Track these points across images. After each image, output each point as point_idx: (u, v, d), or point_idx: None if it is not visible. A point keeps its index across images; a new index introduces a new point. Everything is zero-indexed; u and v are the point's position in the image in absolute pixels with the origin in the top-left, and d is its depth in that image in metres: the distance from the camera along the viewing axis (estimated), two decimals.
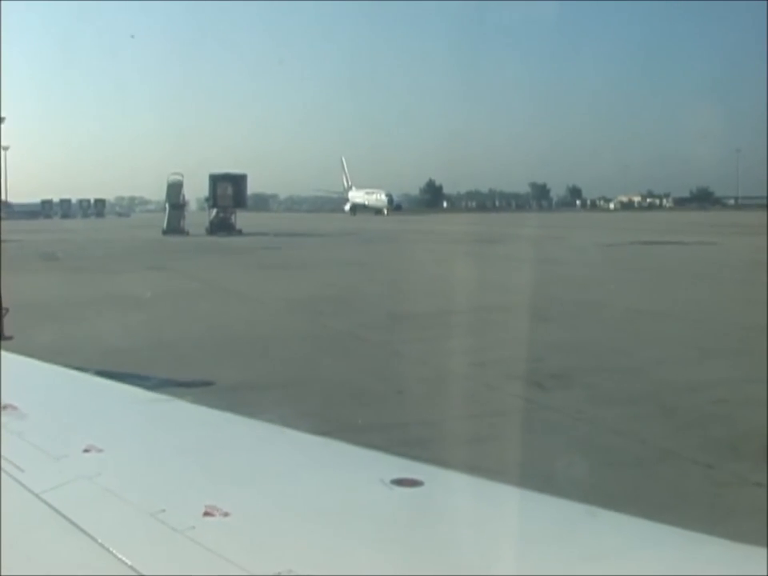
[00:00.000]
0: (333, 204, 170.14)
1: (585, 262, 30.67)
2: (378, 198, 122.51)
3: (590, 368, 11.59)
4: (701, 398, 9.86)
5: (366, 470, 2.35)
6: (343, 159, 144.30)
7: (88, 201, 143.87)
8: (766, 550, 1.68)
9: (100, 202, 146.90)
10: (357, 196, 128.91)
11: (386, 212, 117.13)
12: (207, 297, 21.19)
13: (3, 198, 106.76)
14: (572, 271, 26.21)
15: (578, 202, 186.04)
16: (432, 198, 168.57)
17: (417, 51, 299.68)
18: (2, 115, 75.19)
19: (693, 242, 41.95)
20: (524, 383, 10.68)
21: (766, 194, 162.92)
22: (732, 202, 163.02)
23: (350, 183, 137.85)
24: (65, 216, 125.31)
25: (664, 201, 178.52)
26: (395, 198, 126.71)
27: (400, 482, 2.06)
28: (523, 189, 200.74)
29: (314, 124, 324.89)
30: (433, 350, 13.11)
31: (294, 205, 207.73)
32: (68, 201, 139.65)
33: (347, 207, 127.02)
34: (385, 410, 9.59)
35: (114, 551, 1.72)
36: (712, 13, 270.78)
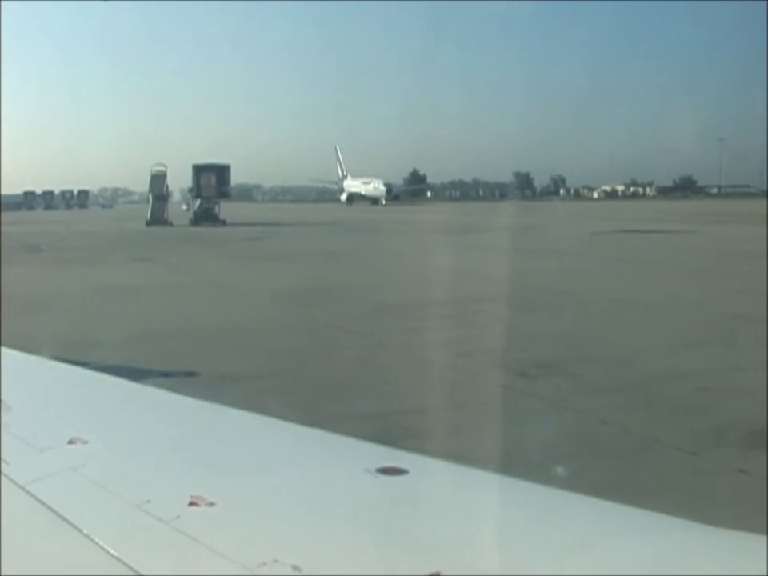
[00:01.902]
0: (320, 193, 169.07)
1: (568, 250, 30.69)
2: (376, 187, 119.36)
3: (573, 358, 11.62)
4: (683, 387, 9.90)
5: (351, 459, 2.36)
6: (337, 148, 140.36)
7: (71, 192, 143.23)
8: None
9: (83, 194, 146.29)
10: (353, 185, 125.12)
11: (383, 202, 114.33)
12: (190, 288, 21.15)
13: None
14: (555, 260, 26.27)
15: (561, 191, 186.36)
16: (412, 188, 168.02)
17: (400, 41, 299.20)
18: None
19: (675, 230, 42.10)
20: (508, 372, 10.72)
21: (748, 183, 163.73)
22: (715, 190, 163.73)
23: (345, 172, 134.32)
24: (48, 207, 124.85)
25: (647, 189, 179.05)
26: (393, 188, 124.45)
27: (385, 471, 2.06)
28: (507, 178, 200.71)
29: (296, 114, 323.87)
30: (414, 340, 13.11)
31: (278, 195, 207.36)
32: (51, 192, 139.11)
33: (343, 197, 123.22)
34: (367, 400, 9.59)
35: (100, 542, 1.72)
36: (693, 4, 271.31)
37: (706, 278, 21.75)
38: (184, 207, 66.75)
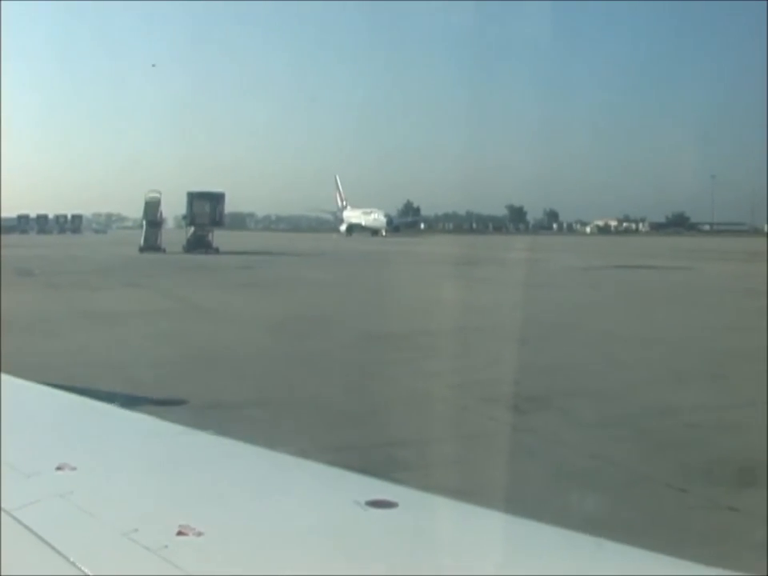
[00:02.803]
0: (313, 223, 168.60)
1: (561, 285, 30.82)
2: (376, 218, 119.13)
3: (564, 392, 11.60)
4: (674, 423, 9.89)
5: (340, 490, 2.35)
6: (337, 177, 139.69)
7: (65, 216, 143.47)
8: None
9: (77, 218, 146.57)
10: (353, 216, 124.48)
11: (383, 233, 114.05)
12: (181, 315, 21.10)
13: None
14: (548, 294, 26.29)
15: (554, 226, 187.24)
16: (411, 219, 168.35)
17: (393, 73, 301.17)
18: None
19: (669, 266, 42.24)
20: (496, 405, 10.70)
21: (740, 221, 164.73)
22: (707, 227, 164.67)
23: (344, 202, 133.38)
24: (41, 231, 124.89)
25: (640, 225, 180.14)
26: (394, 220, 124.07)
27: (374, 504, 2.05)
28: (500, 211, 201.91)
29: (291, 144, 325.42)
30: (403, 372, 13.08)
31: (271, 224, 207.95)
32: (45, 216, 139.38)
33: (343, 227, 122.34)
34: (357, 430, 9.56)
35: (86, 570, 1.70)
36: (686, 41, 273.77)
37: (701, 313, 21.77)
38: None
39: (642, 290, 29.56)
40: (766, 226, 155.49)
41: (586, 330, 18.30)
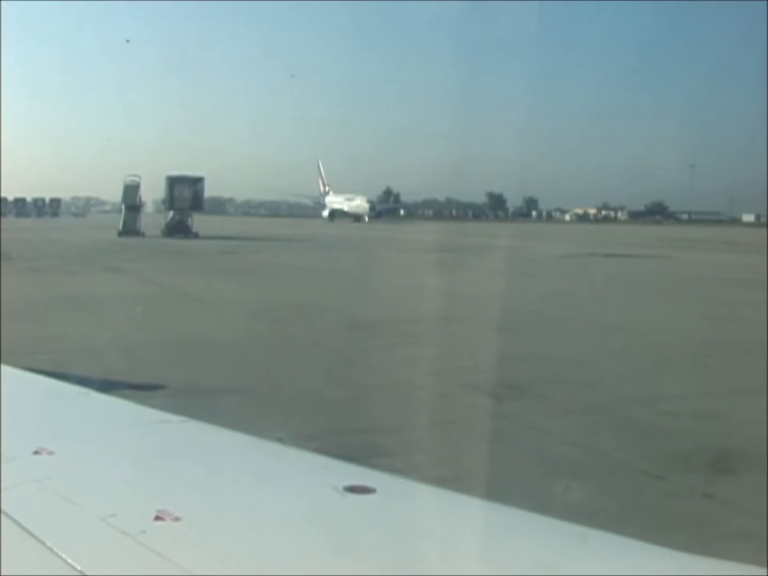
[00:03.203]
0: (292, 208, 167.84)
1: (540, 272, 30.96)
2: (359, 204, 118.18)
3: (540, 379, 11.63)
4: (651, 411, 9.94)
5: (318, 476, 2.35)
6: (320, 163, 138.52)
7: (43, 200, 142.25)
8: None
9: (55, 202, 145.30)
10: (335, 201, 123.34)
11: (366, 219, 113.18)
12: (159, 299, 21.03)
13: None
14: (535, 282, 26.39)
15: (533, 213, 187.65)
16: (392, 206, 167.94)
17: (374, 59, 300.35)
18: None
19: (646, 255, 42.48)
20: (475, 392, 10.72)
21: (718, 210, 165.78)
22: (685, 216, 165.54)
23: (327, 188, 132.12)
24: (19, 215, 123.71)
25: (619, 214, 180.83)
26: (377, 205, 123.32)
27: (352, 489, 2.06)
28: (480, 198, 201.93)
29: (270, 129, 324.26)
30: (380, 358, 13.08)
31: (251, 209, 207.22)
32: (23, 199, 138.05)
33: (325, 213, 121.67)
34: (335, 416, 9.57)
35: (63, 555, 1.70)
36: (666, 31, 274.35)
37: (679, 302, 21.90)
38: None
39: (618, 278, 29.66)
40: (743, 215, 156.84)
41: (566, 319, 18.34)
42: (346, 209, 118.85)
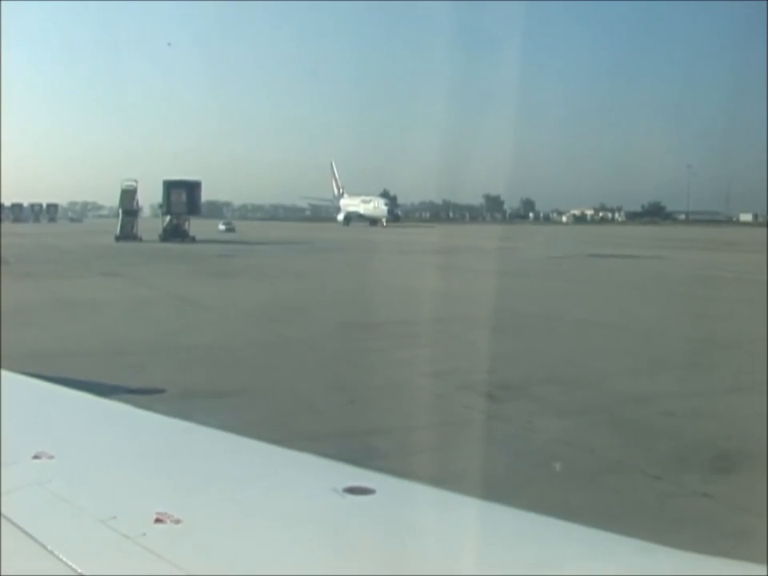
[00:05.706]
0: (288, 211, 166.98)
1: (536, 273, 31.05)
2: (377, 206, 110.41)
3: (536, 379, 11.62)
4: (648, 411, 9.94)
5: (318, 477, 2.36)
6: (333, 163, 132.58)
7: (40, 205, 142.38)
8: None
9: (53, 207, 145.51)
10: (351, 204, 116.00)
11: (384, 223, 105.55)
12: (156, 303, 21.04)
13: None
14: (524, 282, 26.41)
15: (531, 215, 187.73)
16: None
17: (370, 62, 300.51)
18: None
19: (643, 255, 42.52)
20: (472, 393, 10.73)
21: (715, 210, 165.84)
22: (683, 216, 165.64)
23: (341, 190, 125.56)
24: (16, 220, 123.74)
25: (616, 215, 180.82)
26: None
27: (352, 490, 2.06)
28: (477, 200, 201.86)
29: (269, 133, 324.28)
30: (377, 360, 13.07)
31: (248, 213, 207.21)
32: (20, 205, 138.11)
33: (340, 216, 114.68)
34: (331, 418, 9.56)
35: (64, 558, 1.70)
36: (661, 32, 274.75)
37: (677, 302, 21.92)
38: None
39: (615, 278, 29.71)
40: (740, 215, 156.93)
41: (558, 318, 18.33)
42: (362, 211, 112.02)
